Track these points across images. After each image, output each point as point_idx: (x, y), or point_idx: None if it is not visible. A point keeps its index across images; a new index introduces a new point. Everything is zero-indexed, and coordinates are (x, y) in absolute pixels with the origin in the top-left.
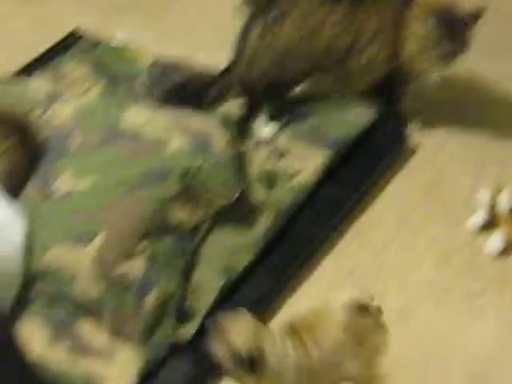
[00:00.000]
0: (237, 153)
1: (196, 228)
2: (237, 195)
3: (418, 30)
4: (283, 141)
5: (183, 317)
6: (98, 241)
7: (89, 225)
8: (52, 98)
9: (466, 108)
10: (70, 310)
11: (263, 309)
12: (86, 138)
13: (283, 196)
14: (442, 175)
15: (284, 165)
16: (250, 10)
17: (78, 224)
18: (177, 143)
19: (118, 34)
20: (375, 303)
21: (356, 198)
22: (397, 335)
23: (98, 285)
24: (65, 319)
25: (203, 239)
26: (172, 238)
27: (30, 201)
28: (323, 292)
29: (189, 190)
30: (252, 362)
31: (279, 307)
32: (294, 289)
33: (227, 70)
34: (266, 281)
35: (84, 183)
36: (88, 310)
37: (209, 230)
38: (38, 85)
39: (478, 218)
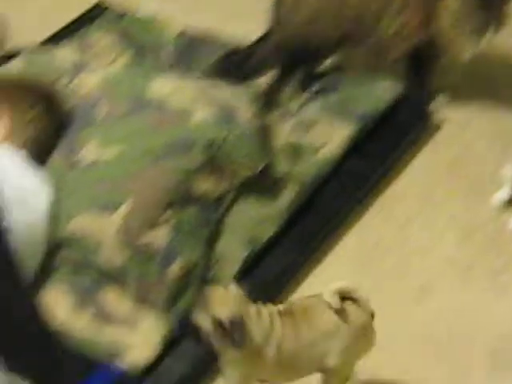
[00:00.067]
0: (262, 125)
1: (220, 199)
2: (261, 167)
3: (452, 2)
4: (310, 113)
5: (207, 286)
6: (123, 210)
7: (114, 194)
8: (78, 68)
9: (496, 84)
10: (95, 278)
11: (287, 280)
12: (112, 107)
13: (308, 169)
14: (467, 151)
15: (309, 137)
16: None
17: (103, 193)
18: (202, 114)
19: (145, 4)
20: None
21: (381, 172)
22: (418, 312)
23: (123, 253)
24: (89, 287)
25: (227, 210)
26: (196, 208)
27: (56, 169)
28: (347, 265)
29: (213, 161)
30: (233, 332)
31: (303, 279)
32: (318, 261)
33: (264, 38)
34: (290, 252)
35: (110, 152)
36: (112, 277)
37: (233, 201)
38: (65, 54)
39: (503, 193)
